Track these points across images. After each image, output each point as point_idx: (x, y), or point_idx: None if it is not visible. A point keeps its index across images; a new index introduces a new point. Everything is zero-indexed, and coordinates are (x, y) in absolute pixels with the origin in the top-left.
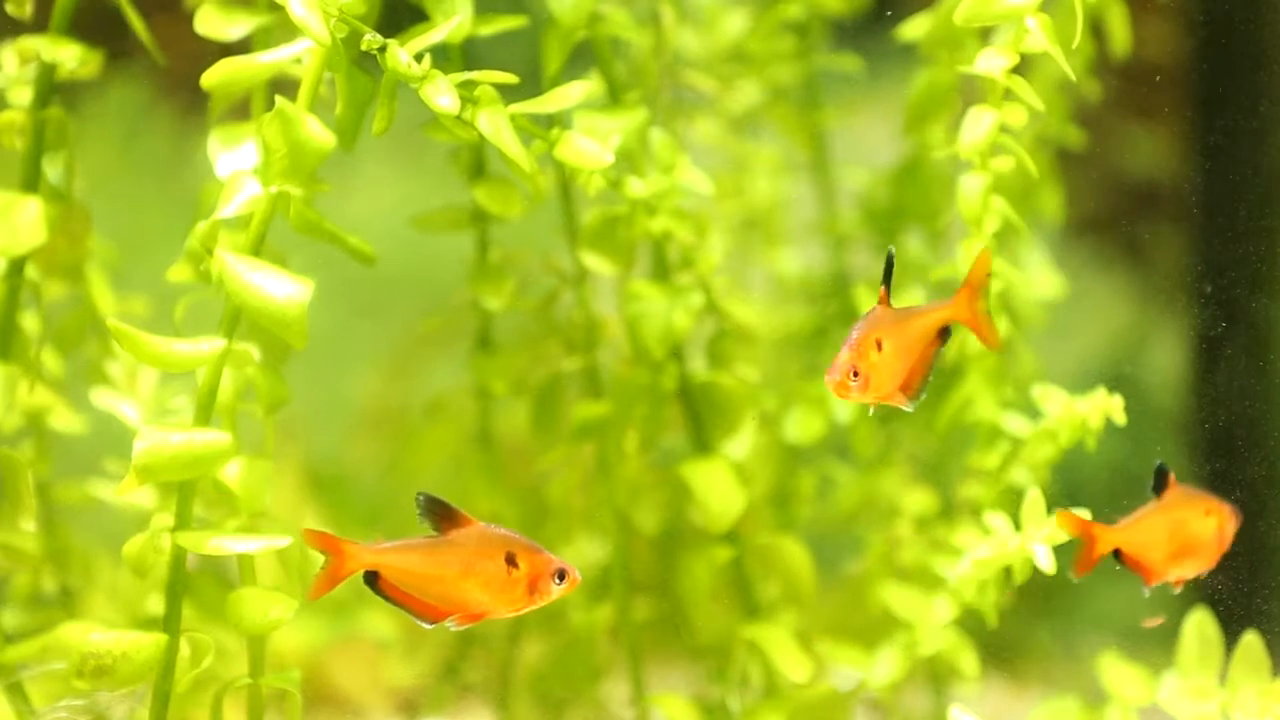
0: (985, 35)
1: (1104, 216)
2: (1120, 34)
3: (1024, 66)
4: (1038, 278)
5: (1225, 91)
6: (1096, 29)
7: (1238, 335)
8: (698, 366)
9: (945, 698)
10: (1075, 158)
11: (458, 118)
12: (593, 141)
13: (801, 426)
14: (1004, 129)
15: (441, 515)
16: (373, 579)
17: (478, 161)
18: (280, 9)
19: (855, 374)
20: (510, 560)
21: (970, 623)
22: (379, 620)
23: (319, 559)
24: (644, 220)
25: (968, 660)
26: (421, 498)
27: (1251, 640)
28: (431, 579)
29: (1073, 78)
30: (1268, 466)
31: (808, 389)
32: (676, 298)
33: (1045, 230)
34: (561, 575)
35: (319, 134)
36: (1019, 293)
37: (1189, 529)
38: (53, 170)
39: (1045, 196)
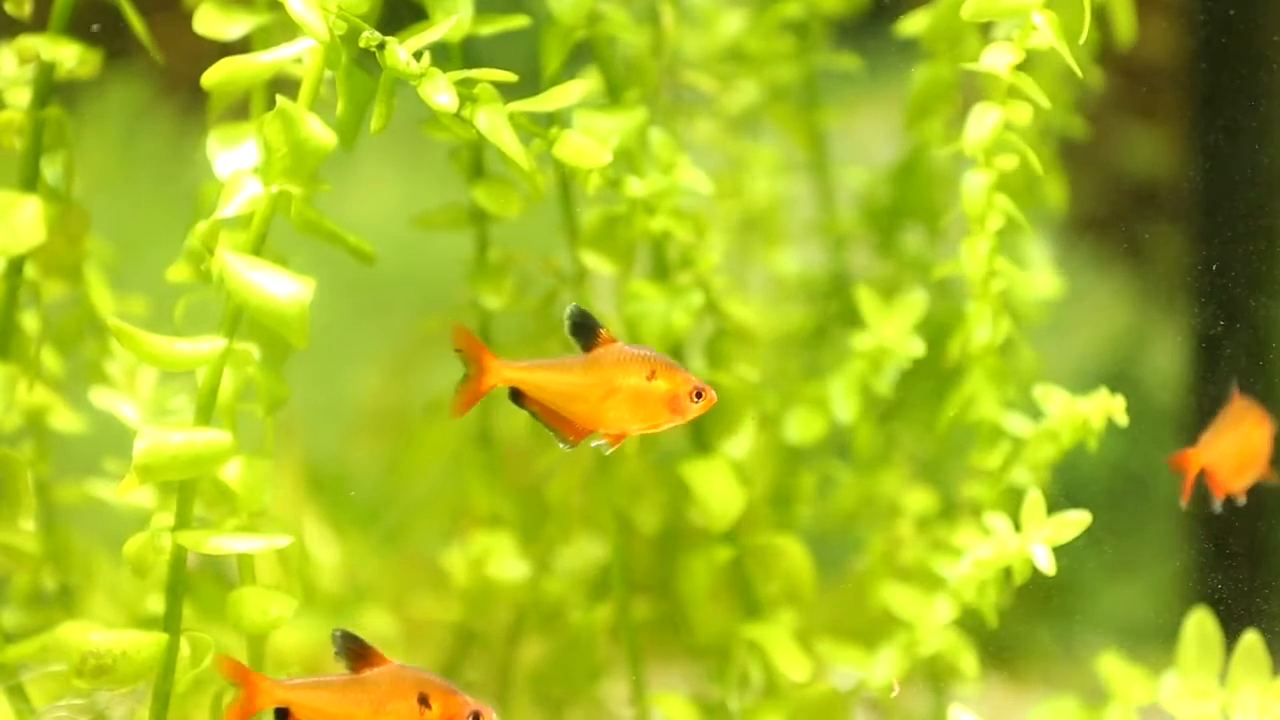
0: (986, 30)
1: (1104, 216)
2: (1125, 23)
3: (1027, 59)
4: (1040, 276)
5: (1225, 91)
6: (1101, 17)
7: (1238, 335)
8: (697, 366)
9: (945, 697)
10: (1075, 157)
11: (456, 116)
12: (592, 140)
13: (802, 426)
14: (1008, 126)
15: (357, 653)
16: (284, 715)
17: (477, 161)
18: (280, 8)
19: None
20: (423, 701)
21: (970, 623)
22: (379, 620)
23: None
24: (643, 220)
25: (968, 660)
26: (337, 634)
27: (1252, 640)
28: (342, 718)
29: (1079, 74)
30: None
31: (808, 389)
32: (676, 297)
33: (1048, 223)
34: (476, 717)
35: (320, 133)
36: (1020, 292)
37: (1252, 441)
38: (52, 170)
39: (1049, 188)
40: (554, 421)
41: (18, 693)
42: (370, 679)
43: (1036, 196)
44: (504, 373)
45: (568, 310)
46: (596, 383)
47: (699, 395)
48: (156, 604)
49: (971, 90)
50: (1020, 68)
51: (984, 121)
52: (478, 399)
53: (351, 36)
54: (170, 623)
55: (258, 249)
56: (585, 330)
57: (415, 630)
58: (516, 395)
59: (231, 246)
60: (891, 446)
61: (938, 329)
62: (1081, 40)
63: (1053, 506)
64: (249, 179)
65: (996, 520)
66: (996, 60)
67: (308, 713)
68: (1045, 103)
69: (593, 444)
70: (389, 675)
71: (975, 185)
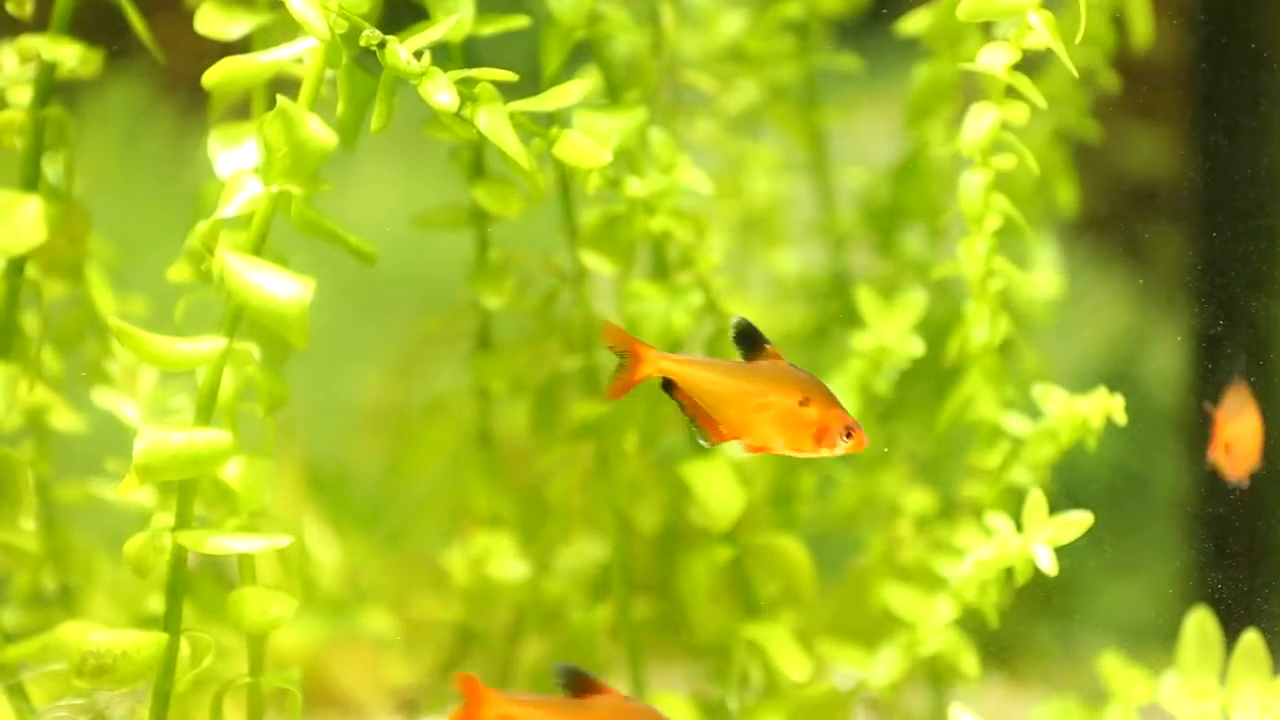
0: (988, 29)
1: (1104, 216)
2: (1141, 27)
3: (1041, 59)
4: (1041, 277)
5: (1225, 91)
6: (1117, 20)
7: (1238, 335)
8: None
9: (945, 697)
10: (1075, 157)
11: (457, 115)
12: (592, 140)
13: None
14: (1006, 126)
15: (579, 685)
16: None
17: (477, 161)
18: (281, 8)
19: None
20: None
21: (970, 622)
22: (379, 620)
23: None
24: (643, 220)
25: (968, 660)
26: (559, 668)
27: (1252, 639)
28: None
29: (1074, 74)
30: (1268, 466)
31: None
32: (676, 297)
33: (1057, 225)
34: None
35: (320, 133)
36: (1021, 291)
37: (1255, 426)
38: (53, 169)
39: (1060, 191)
40: (699, 418)
41: (18, 693)
42: (595, 705)
43: (1047, 199)
44: (660, 363)
45: (733, 320)
46: (751, 392)
47: (849, 434)
48: (156, 604)
49: (973, 90)
50: (1032, 71)
51: (980, 122)
52: (631, 387)
53: (352, 36)
54: (170, 623)
55: (258, 249)
56: (749, 342)
57: (415, 630)
58: (668, 385)
59: (232, 246)
60: (891, 446)
61: (938, 329)
62: (1078, 39)
63: (1053, 506)
64: (249, 179)
65: (998, 520)
66: (993, 60)
67: None
68: (1041, 102)
69: (735, 447)
70: (615, 706)
71: (972, 185)
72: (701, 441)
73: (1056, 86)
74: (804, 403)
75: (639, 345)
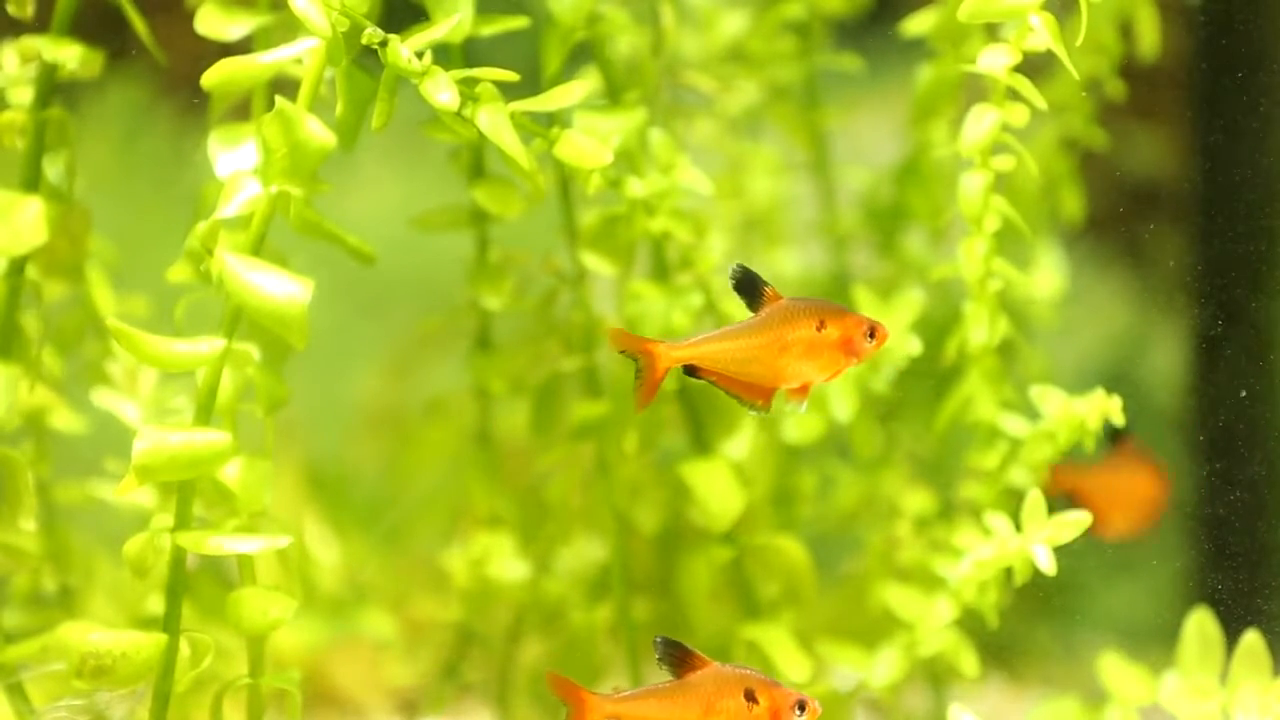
0: (992, 30)
1: (1104, 216)
2: (1149, 35)
3: (1046, 67)
4: (1042, 277)
5: (1225, 91)
6: (1125, 29)
7: (1238, 335)
8: None
9: (945, 698)
10: (1079, 155)
11: (458, 114)
12: (592, 141)
13: (801, 426)
14: (1006, 128)
15: (679, 659)
16: None
17: (477, 161)
18: (281, 9)
19: None
20: (750, 697)
21: (970, 623)
22: (379, 620)
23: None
24: (643, 220)
25: (968, 660)
26: (659, 641)
27: (1252, 639)
28: None
29: (1076, 76)
30: (1268, 466)
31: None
32: (676, 298)
33: (1060, 230)
34: (802, 707)
35: (319, 134)
36: (1022, 292)
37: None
38: (53, 170)
39: (1065, 199)
40: (735, 388)
41: (18, 693)
42: (694, 681)
43: (1053, 205)
44: (674, 354)
45: (731, 269)
46: (769, 342)
47: (872, 334)
48: (156, 604)
49: (976, 91)
50: (1038, 79)
51: (981, 123)
52: (657, 387)
53: (352, 35)
54: (170, 623)
55: (257, 250)
56: (750, 288)
57: (415, 631)
58: (692, 370)
59: (231, 247)
60: (891, 446)
61: (938, 329)
62: (1078, 42)
63: (1053, 507)
64: (249, 179)
65: (997, 521)
66: (993, 61)
67: None
68: (1042, 104)
69: (788, 405)
70: (713, 675)
71: (972, 186)
72: (753, 411)
73: (1063, 94)
74: (820, 327)
75: (649, 344)
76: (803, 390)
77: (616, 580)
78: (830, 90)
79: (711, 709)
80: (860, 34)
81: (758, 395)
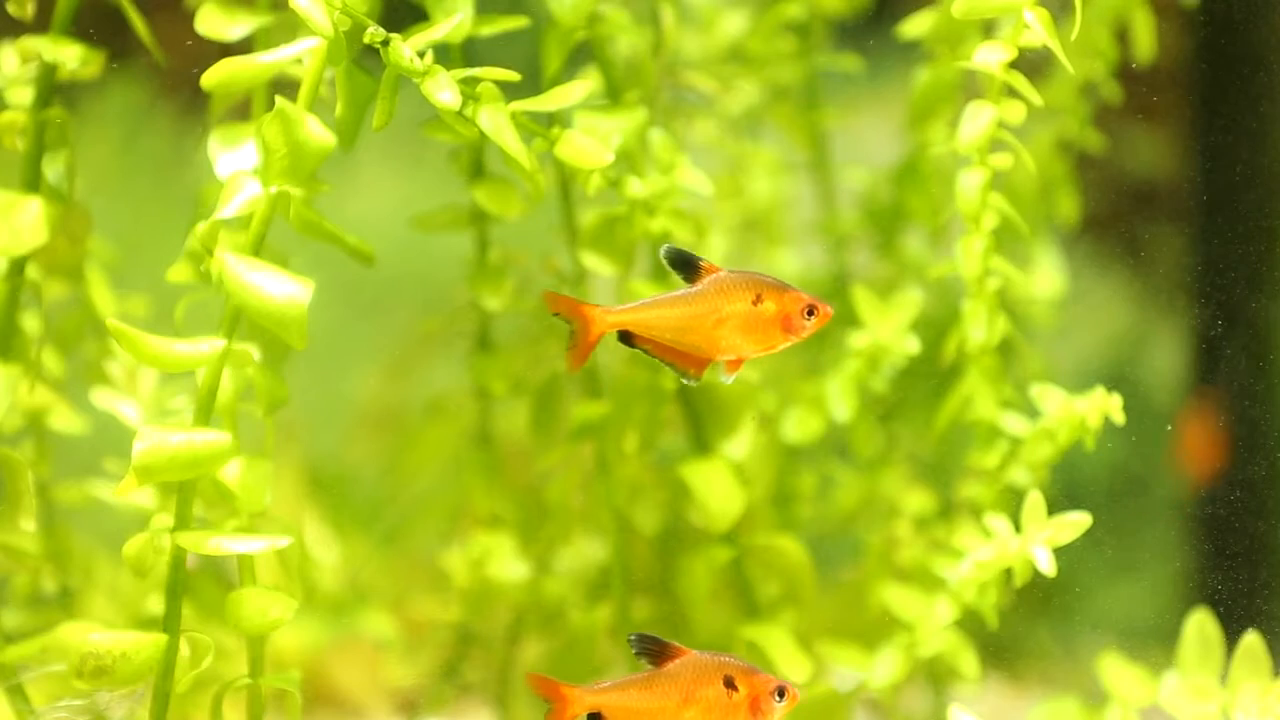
0: (988, 30)
1: (1104, 216)
2: (1145, 39)
3: (1043, 68)
4: (1043, 278)
5: (1225, 91)
6: (1121, 34)
7: (1238, 335)
8: None
9: (945, 698)
10: (1075, 157)
11: (459, 114)
12: (592, 141)
13: (801, 426)
14: (1003, 125)
15: (656, 651)
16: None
17: (477, 161)
18: (281, 9)
19: None
20: (729, 684)
21: (970, 623)
22: (379, 620)
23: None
24: (643, 220)
25: (968, 661)
26: (633, 638)
27: (1252, 640)
28: (655, 713)
29: (1072, 72)
30: (1268, 466)
31: (806, 388)
32: None
33: (1056, 232)
34: (781, 693)
35: (319, 134)
36: (1021, 292)
37: None
38: (53, 170)
39: (1062, 201)
40: (669, 356)
41: (18, 693)
42: (673, 670)
43: (1050, 206)
44: (608, 319)
45: (662, 250)
46: (705, 312)
47: (811, 312)
48: (156, 605)
49: (974, 92)
50: (1034, 80)
51: (977, 120)
52: (590, 350)
53: (353, 35)
54: (170, 623)
55: (257, 250)
56: (685, 265)
57: (415, 631)
58: (626, 337)
59: (231, 247)
60: (891, 447)
61: (937, 329)
62: (1073, 36)
63: (1053, 507)
64: (249, 180)
65: (997, 521)
66: (989, 58)
67: (621, 713)
68: (1038, 100)
69: (724, 378)
70: (692, 663)
71: (970, 184)
72: (685, 380)
73: (1059, 96)
74: (757, 301)
75: (584, 306)
76: (736, 364)
77: (616, 580)
78: (830, 90)
79: (691, 697)
80: (860, 34)
81: (691, 364)
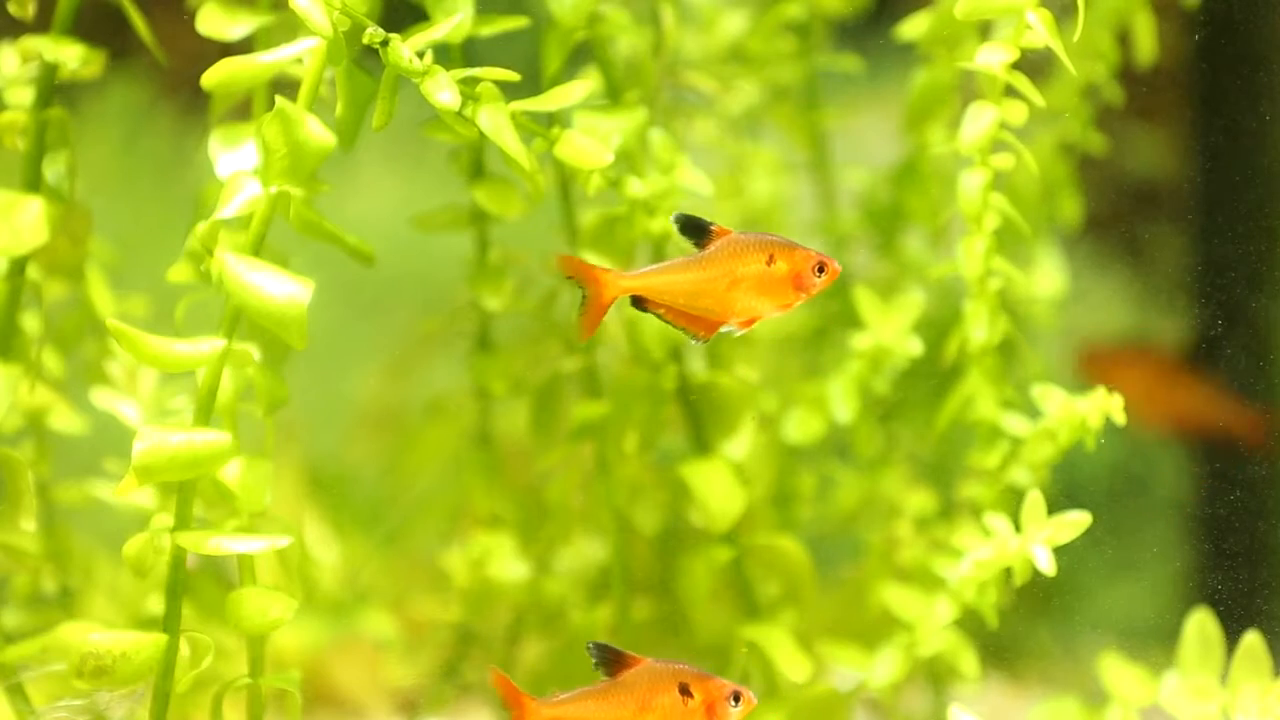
0: (984, 32)
1: (1104, 216)
2: (1146, 41)
3: (1044, 71)
4: (1044, 278)
5: (1225, 91)
6: (1122, 36)
7: (1238, 335)
8: (697, 367)
9: (945, 698)
10: (1076, 157)
11: (459, 114)
12: (592, 141)
13: (801, 426)
14: (1004, 125)
15: (612, 660)
16: None
17: (477, 161)
18: (282, 8)
19: None
20: (684, 691)
21: (970, 623)
22: (379, 620)
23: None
24: (643, 220)
25: (968, 661)
26: (591, 647)
27: (1253, 640)
28: None
29: (1074, 73)
30: (1268, 466)
31: (807, 389)
32: None
33: (1057, 233)
34: (737, 698)
35: (319, 134)
36: (1022, 292)
37: None
38: (54, 170)
39: (1064, 201)
40: (681, 321)
41: (18, 693)
42: (629, 680)
43: (1051, 208)
44: (621, 284)
45: (673, 217)
46: (718, 275)
47: (821, 269)
48: (156, 604)
49: (971, 94)
50: (1036, 82)
51: (979, 120)
52: (602, 315)
53: (353, 35)
54: (170, 623)
55: (257, 250)
56: (696, 230)
57: (415, 631)
58: (639, 302)
59: (231, 247)
60: (891, 446)
61: (938, 329)
62: (1075, 37)
63: (1053, 507)
64: (248, 180)
65: (997, 521)
66: (991, 58)
67: None
68: (1040, 101)
69: (724, 329)
70: (647, 672)
71: (972, 185)
72: (695, 341)
73: (1061, 98)
74: (770, 261)
75: (597, 271)
76: (749, 323)
77: (616, 580)
78: (830, 91)
79: (647, 706)
80: (860, 35)
81: (701, 328)
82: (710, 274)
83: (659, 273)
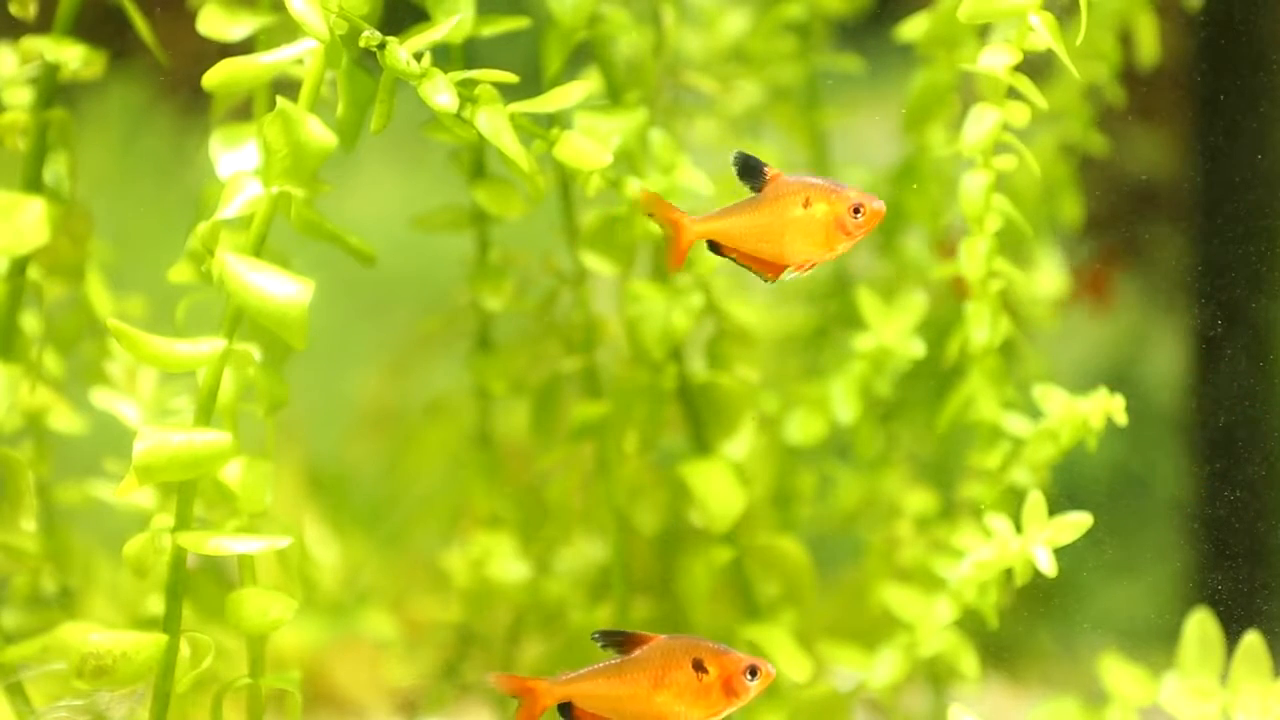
0: (984, 34)
1: (1104, 216)
2: (1148, 42)
3: (1045, 73)
4: (1045, 278)
5: (1225, 92)
6: (1124, 37)
7: (1238, 335)
8: (697, 367)
9: (945, 698)
10: (1078, 159)
11: (457, 116)
12: (592, 142)
13: (802, 427)
14: (1007, 127)
15: (622, 642)
16: (567, 711)
17: (478, 162)
18: (283, 9)
19: None
20: (699, 666)
21: (970, 623)
22: (379, 620)
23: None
24: (644, 221)
25: (968, 661)
26: (597, 635)
27: (1253, 640)
28: (625, 699)
29: (1077, 76)
30: (1268, 466)
31: (808, 390)
32: (676, 298)
33: (1058, 234)
34: (754, 672)
35: (320, 134)
36: (1023, 293)
37: None
38: (54, 171)
39: (1065, 204)
40: (751, 262)
41: (18, 693)
42: (642, 656)
43: (1053, 208)
44: (696, 228)
45: (732, 156)
46: (770, 220)
47: (858, 212)
48: (156, 604)
49: (970, 94)
50: (1037, 83)
51: (982, 122)
52: (684, 255)
53: (352, 37)
54: (170, 623)
55: (258, 250)
56: (752, 171)
57: (415, 631)
58: (714, 246)
59: (232, 247)
60: (892, 447)
61: (939, 330)
62: (1079, 41)
63: (1053, 507)
64: (250, 180)
65: (998, 521)
66: (994, 61)
67: (591, 701)
68: (1042, 103)
69: (787, 275)
70: (660, 648)
71: (974, 186)
72: (767, 280)
73: (1062, 100)
74: (806, 204)
75: (676, 214)
76: (803, 266)
77: (616, 580)
78: (830, 90)
79: (661, 681)
80: (860, 35)
81: (769, 270)
82: (763, 218)
83: (726, 215)
